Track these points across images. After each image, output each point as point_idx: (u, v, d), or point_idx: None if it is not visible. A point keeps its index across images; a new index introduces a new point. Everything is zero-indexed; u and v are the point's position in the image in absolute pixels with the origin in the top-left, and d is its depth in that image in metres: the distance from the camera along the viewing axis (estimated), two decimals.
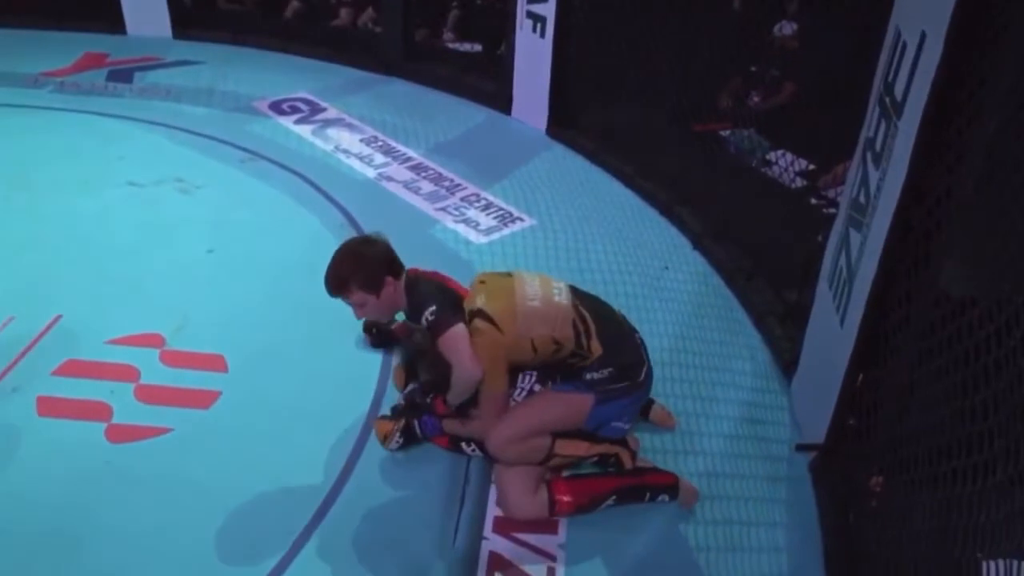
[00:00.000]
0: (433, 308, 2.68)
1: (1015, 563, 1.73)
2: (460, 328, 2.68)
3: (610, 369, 2.76)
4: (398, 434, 2.98)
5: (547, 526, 2.75)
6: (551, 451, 2.79)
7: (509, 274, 2.91)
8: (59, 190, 4.66)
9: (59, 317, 3.61)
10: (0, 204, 4.49)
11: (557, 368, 2.81)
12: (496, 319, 2.68)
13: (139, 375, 3.33)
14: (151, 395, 3.24)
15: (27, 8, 7.06)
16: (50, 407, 3.16)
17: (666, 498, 2.83)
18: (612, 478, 2.85)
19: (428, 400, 2.97)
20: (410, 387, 3.14)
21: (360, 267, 2.76)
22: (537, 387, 2.87)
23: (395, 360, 3.41)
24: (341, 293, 2.78)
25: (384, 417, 3.08)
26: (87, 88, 6.04)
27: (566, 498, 2.74)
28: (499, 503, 2.80)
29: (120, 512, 2.75)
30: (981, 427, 1.86)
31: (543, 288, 2.81)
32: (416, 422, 2.98)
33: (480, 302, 2.72)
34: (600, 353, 2.75)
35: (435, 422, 2.97)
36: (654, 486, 2.83)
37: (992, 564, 1.79)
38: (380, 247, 2.84)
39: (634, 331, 2.95)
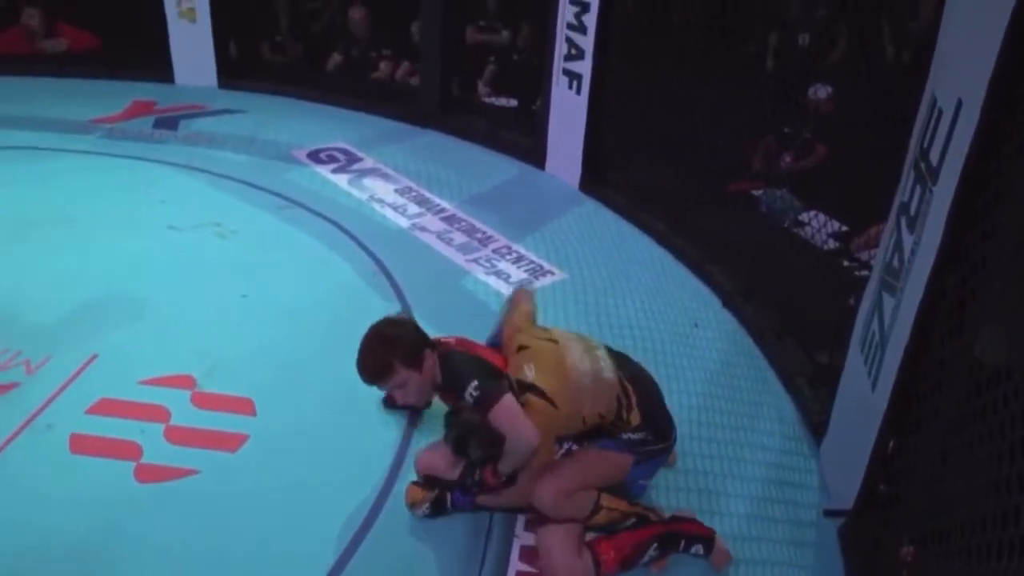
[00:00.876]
0: (475, 383, 2.60)
1: None
2: (509, 399, 2.61)
3: (645, 433, 2.77)
4: (428, 505, 2.92)
5: None
6: (598, 503, 2.76)
7: (548, 332, 2.90)
8: (102, 231, 4.78)
9: (95, 356, 3.67)
10: (45, 242, 4.60)
11: (594, 432, 2.80)
12: (550, 396, 2.66)
13: (170, 416, 3.36)
14: (181, 436, 3.27)
15: (82, 58, 7.30)
16: (82, 445, 3.20)
17: (700, 550, 2.79)
18: (652, 526, 2.81)
19: (477, 477, 2.80)
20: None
21: (399, 345, 2.70)
22: (575, 447, 2.86)
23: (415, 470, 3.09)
24: (384, 376, 2.71)
25: (416, 484, 2.99)
26: (134, 135, 6.21)
27: (611, 553, 2.69)
28: (543, 567, 2.71)
29: (146, 551, 2.76)
30: (1018, 500, 1.83)
31: (591, 362, 2.79)
32: (448, 495, 2.92)
33: (531, 376, 2.68)
34: (638, 422, 2.77)
35: (468, 499, 2.90)
36: (691, 535, 2.80)
37: None
38: (409, 324, 2.83)
39: (659, 389, 2.93)
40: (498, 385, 2.64)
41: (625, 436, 2.77)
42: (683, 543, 2.79)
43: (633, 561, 2.72)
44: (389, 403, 3.34)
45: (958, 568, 2.10)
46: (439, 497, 2.92)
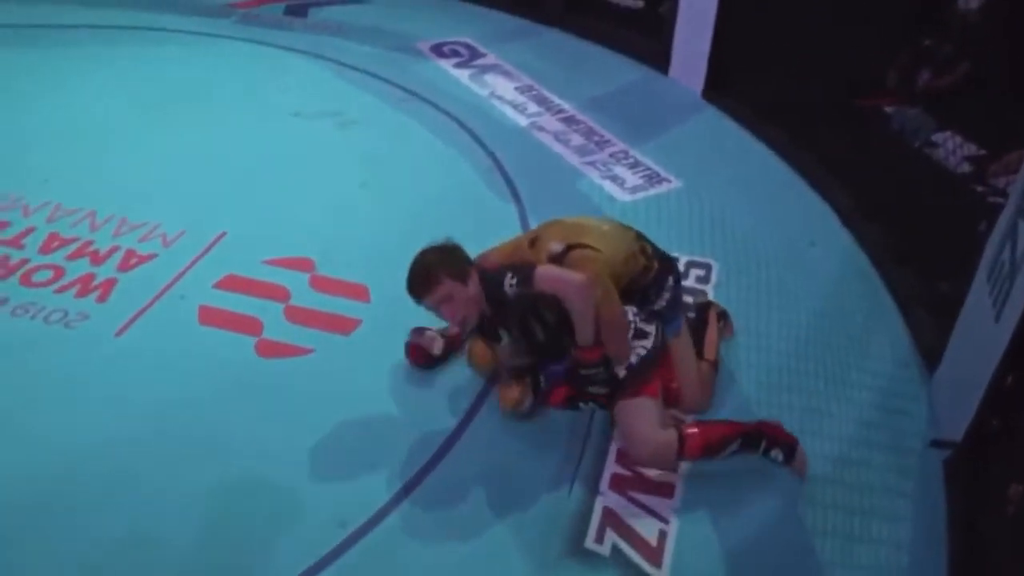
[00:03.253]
0: (510, 274, 2.64)
1: None
2: (544, 266, 2.68)
3: (668, 279, 3.00)
4: (528, 395, 2.90)
5: (663, 490, 2.77)
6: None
7: (557, 220, 3.03)
8: (232, 113, 4.99)
9: (224, 233, 3.87)
10: (180, 124, 4.83)
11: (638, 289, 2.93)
12: (587, 244, 2.78)
13: (290, 296, 3.54)
14: (299, 316, 3.44)
15: None
16: (210, 317, 3.42)
17: (780, 456, 2.79)
18: (736, 423, 2.83)
19: (575, 363, 2.75)
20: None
21: (446, 257, 2.70)
22: (638, 320, 2.86)
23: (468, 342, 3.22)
24: (429, 287, 2.67)
25: (505, 384, 2.97)
26: (266, 21, 6.35)
27: (697, 438, 2.69)
28: (625, 440, 2.77)
29: (260, 421, 2.97)
30: None
31: (600, 219, 3.02)
32: (541, 376, 2.90)
33: (559, 246, 2.79)
34: (657, 267, 2.97)
35: (558, 368, 2.83)
36: (772, 437, 2.80)
37: None
38: (456, 246, 2.78)
39: None
40: (530, 264, 2.70)
41: (657, 305, 2.95)
42: (764, 444, 2.79)
43: (716, 451, 2.73)
44: (413, 358, 3.23)
45: None
46: (535, 382, 2.90)
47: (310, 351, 3.28)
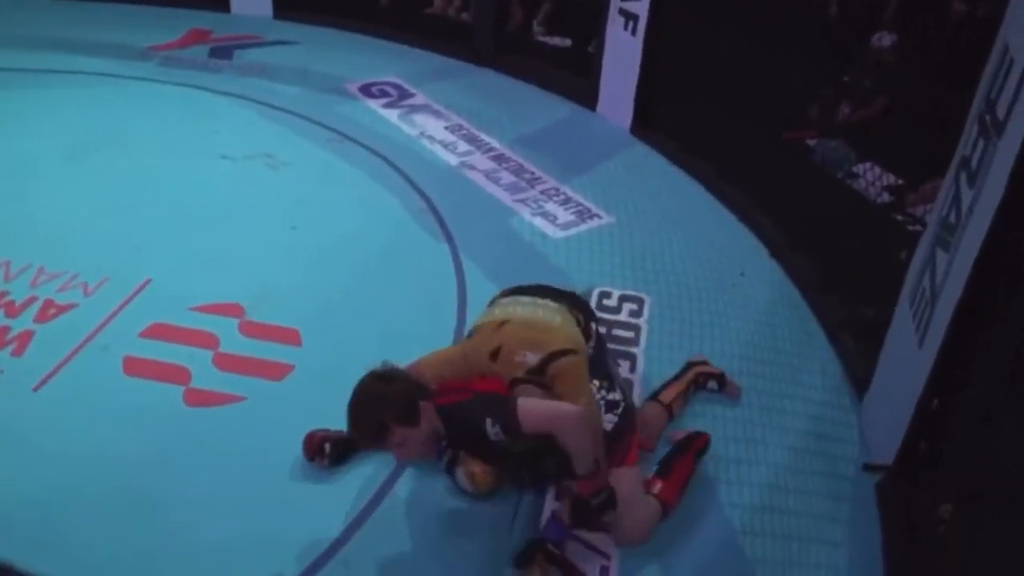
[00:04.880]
0: (489, 420, 2.41)
1: None
2: (523, 401, 2.47)
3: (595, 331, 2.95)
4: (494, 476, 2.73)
5: (604, 525, 2.74)
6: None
7: (491, 317, 2.81)
8: (157, 157, 4.86)
9: (149, 281, 3.76)
10: (102, 169, 4.70)
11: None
12: (560, 346, 2.65)
13: (218, 343, 3.45)
14: (228, 363, 3.36)
15: None
16: (135, 367, 3.30)
17: (715, 385, 3.30)
18: (687, 448, 2.90)
19: (591, 500, 2.52)
20: (545, 523, 2.68)
21: (391, 403, 2.43)
22: (604, 394, 2.80)
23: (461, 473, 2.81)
24: (379, 439, 2.46)
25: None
26: (189, 63, 6.25)
27: (672, 493, 2.73)
28: (618, 528, 2.65)
29: (192, 474, 2.86)
30: None
31: (536, 306, 2.82)
32: (548, 541, 2.58)
33: (534, 357, 2.59)
34: (593, 327, 2.93)
35: (559, 525, 2.60)
36: (705, 375, 3.29)
37: None
38: (398, 376, 2.53)
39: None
40: (506, 401, 2.48)
41: (600, 395, 2.77)
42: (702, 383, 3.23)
43: (688, 481, 2.80)
44: (326, 462, 2.94)
45: (997, 529, 2.08)
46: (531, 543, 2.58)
47: (242, 399, 3.20)
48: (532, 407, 2.44)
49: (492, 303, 2.99)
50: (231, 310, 3.63)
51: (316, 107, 5.60)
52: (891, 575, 2.62)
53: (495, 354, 2.64)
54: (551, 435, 2.42)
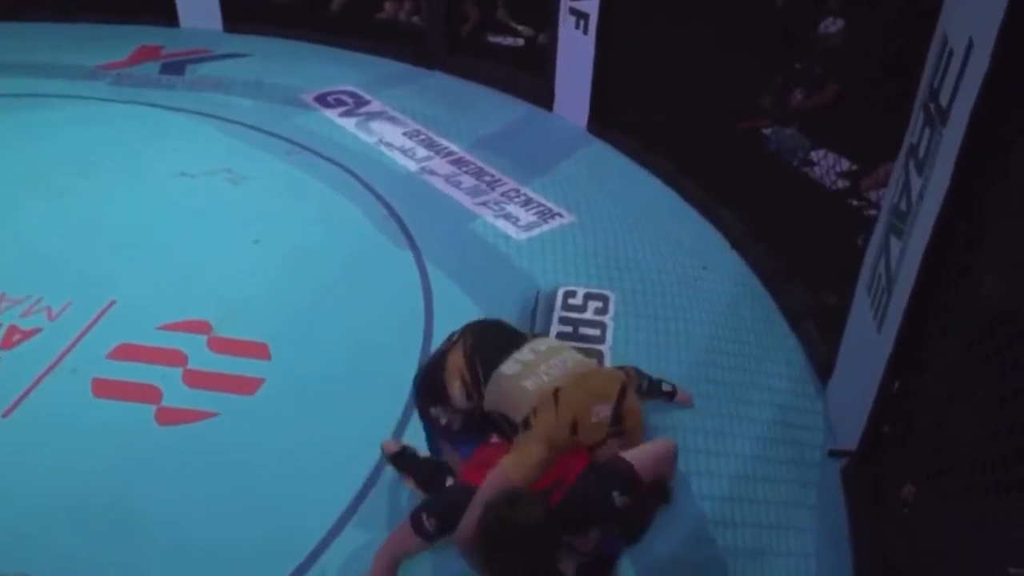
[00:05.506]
0: (616, 492, 2.22)
1: None
2: (631, 457, 2.31)
3: None
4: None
5: None
6: None
7: (555, 387, 2.43)
8: (115, 180, 4.81)
9: (113, 302, 3.74)
10: (59, 192, 4.64)
11: None
12: (616, 386, 2.48)
13: (187, 360, 3.44)
14: (198, 380, 3.35)
15: (84, 3, 7.21)
16: (104, 389, 3.28)
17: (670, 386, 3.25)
18: None
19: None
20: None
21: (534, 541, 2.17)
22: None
23: None
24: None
25: None
26: (141, 80, 6.19)
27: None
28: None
29: (168, 491, 2.87)
30: (1019, 442, 1.86)
31: (560, 351, 2.59)
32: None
33: (607, 407, 2.42)
34: None
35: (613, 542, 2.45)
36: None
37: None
38: (525, 501, 2.21)
39: None
40: (611, 468, 2.30)
41: None
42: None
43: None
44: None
45: (957, 507, 2.14)
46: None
47: (214, 414, 3.19)
48: (640, 458, 2.31)
49: (497, 371, 2.52)
50: (199, 327, 3.62)
51: (273, 119, 5.59)
52: (859, 558, 2.68)
53: (574, 428, 2.37)
54: (659, 478, 2.33)
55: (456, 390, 2.57)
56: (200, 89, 6.05)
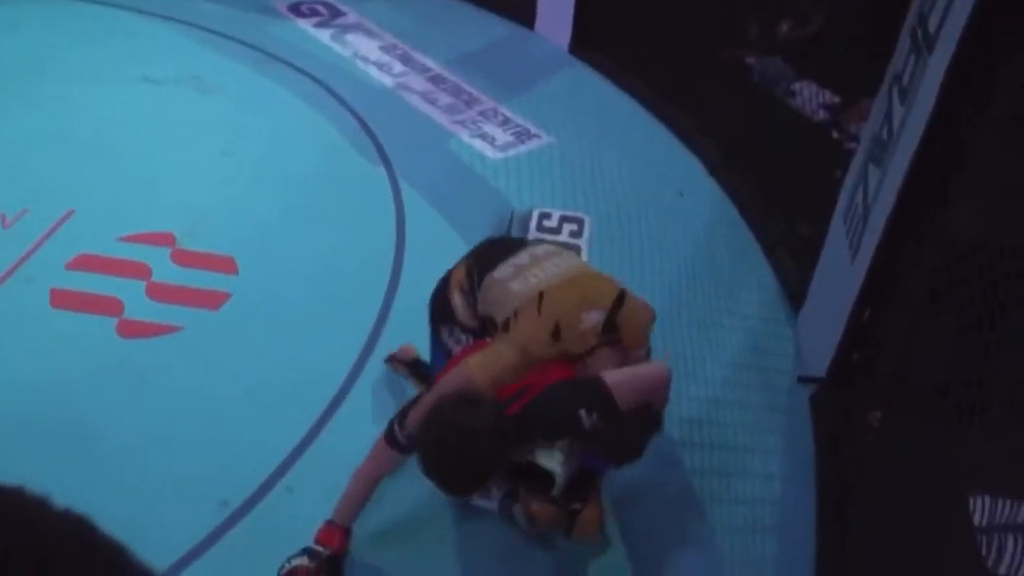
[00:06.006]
0: (583, 411, 2.11)
1: (1001, 500, 1.75)
2: (608, 378, 2.16)
3: None
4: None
5: None
6: None
7: (540, 290, 2.31)
8: (75, 83, 4.61)
9: (72, 211, 3.63)
10: (16, 95, 4.46)
11: None
12: (622, 289, 2.41)
13: (151, 272, 3.36)
14: (162, 293, 3.28)
15: None
16: (63, 299, 3.21)
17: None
18: None
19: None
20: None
21: (478, 445, 2.05)
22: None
23: None
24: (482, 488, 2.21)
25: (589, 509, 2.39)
26: None
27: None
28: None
29: (125, 410, 2.83)
30: (982, 367, 1.87)
31: (558, 257, 2.48)
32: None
33: (600, 313, 2.29)
34: None
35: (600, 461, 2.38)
36: None
37: (979, 500, 1.82)
38: (476, 403, 2.11)
39: None
40: (589, 383, 2.18)
41: None
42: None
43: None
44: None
45: (918, 432, 2.17)
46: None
47: (178, 328, 3.14)
48: (623, 380, 2.16)
49: (490, 275, 2.42)
50: (162, 239, 3.53)
51: (244, 27, 5.37)
52: (822, 481, 2.72)
53: (555, 333, 2.23)
54: (647, 403, 2.20)
55: (457, 301, 2.47)
56: None
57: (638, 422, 2.19)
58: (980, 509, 1.80)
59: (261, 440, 2.74)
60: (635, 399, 2.16)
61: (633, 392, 2.16)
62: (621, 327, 2.29)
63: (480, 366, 2.20)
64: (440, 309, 2.54)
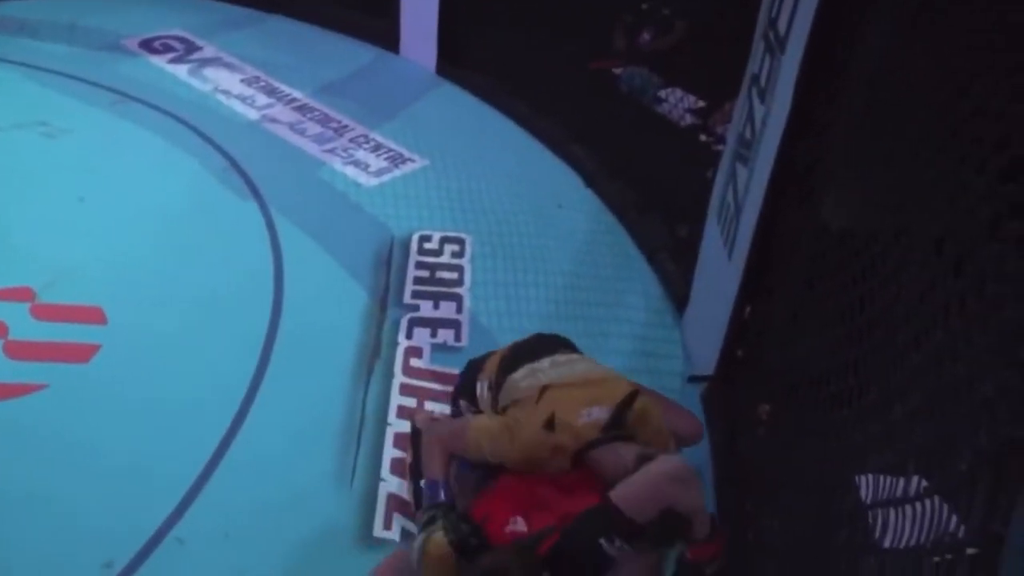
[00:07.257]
0: (603, 541, 2.02)
1: (883, 477, 1.81)
2: (613, 496, 2.07)
3: None
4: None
5: None
6: None
7: (546, 384, 2.39)
8: None
9: None
10: None
11: None
12: (635, 388, 2.42)
13: (7, 331, 3.14)
14: (22, 351, 3.07)
15: None
16: None
17: None
18: None
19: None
20: None
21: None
22: None
23: None
24: None
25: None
26: None
27: None
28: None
29: (2, 471, 2.63)
30: (856, 352, 1.93)
31: (578, 361, 2.58)
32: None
33: (606, 411, 2.28)
34: None
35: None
36: None
37: (864, 479, 1.87)
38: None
39: None
40: (600, 509, 2.08)
41: None
42: None
43: None
44: None
45: (806, 421, 2.22)
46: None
47: (43, 386, 2.94)
48: (629, 491, 2.06)
49: (510, 376, 2.47)
50: (19, 294, 3.31)
51: (92, 67, 5.12)
52: (719, 476, 2.76)
53: (549, 424, 2.22)
54: (669, 507, 2.07)
55: (482, 391, 2.57)
56: (3, 32, 5.45)
57: (660, 529, 2.06)
58: (865, 487, 1.85)
59: (146, 492, 2.59)
60: (653, 505, 2.05)
61: (641, 500, 2.05)
62: (633, 424, 2.27)
63: (476, 428, 2.35)
64: (466, 383, 2.66)
